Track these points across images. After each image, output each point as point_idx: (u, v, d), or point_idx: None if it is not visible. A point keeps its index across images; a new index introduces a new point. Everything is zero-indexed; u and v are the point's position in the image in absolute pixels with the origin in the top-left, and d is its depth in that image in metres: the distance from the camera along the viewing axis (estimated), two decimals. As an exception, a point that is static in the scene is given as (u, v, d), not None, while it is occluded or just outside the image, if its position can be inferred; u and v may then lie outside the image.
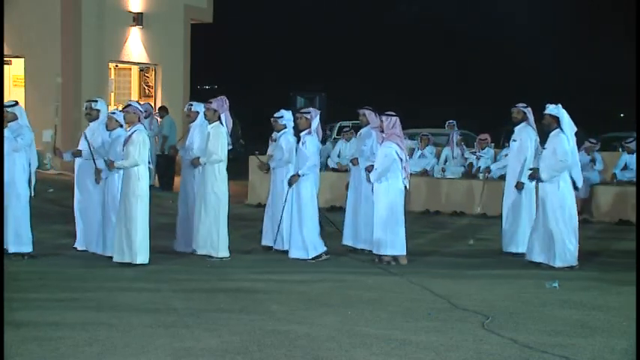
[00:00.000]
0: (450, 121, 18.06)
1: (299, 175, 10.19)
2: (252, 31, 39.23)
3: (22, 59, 20.02)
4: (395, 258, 10.15)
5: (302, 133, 10.34)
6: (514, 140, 10.89)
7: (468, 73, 38.47)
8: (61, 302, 7.81)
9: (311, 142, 10.26)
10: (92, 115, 10.51)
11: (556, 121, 9.86)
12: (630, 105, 25.52)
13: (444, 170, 15.91)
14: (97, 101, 10.66)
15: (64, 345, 6.36)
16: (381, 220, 10.04)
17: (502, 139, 18.66)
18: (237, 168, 19.47)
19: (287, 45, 39.74)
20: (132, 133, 9.65)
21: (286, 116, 10.70)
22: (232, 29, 36.81)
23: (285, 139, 10.64)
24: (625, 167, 15.09)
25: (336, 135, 20.89)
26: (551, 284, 8.90)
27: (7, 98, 18.88)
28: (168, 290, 8.42)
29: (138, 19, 21.15)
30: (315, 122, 10.33)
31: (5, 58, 19.51)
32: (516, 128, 10.89)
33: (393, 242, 10.07)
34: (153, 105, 20.52)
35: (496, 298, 8.36)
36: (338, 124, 22.50)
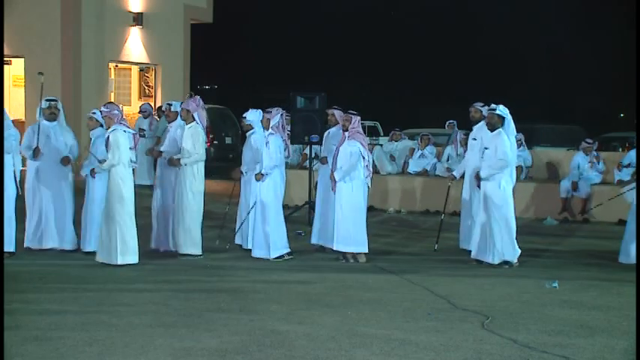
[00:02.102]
0: (450, 121, 18.05)
1: (262, 174, 10.28)
2: (252, 31, 39.22)
3: (22, 59, 20.03)
4: (354, 255, 10.30)
5: (266, 133, 10.43)
6: (474, 139, 10.98)
7: (468, 73, 38.46)
8: (61, 302, 7.81)
9: (273, 141, 10.34)
10: (56, 115, 10.59)
11: (501, 121, 10.21)
12: (631, 105, 25.52)
13: (449, 170, 15.89)
14: (57, 100, 10.75)
15: (64, 345, 6.36)
16: (344, 218, 10.16)
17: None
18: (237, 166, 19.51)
19: (287, 45, 39.74)
20: (108, 135, 9.72)
21: (249, 117, 10.81)
22: (232, 29, 36.81)
23: (255, 139, 10.73)
24: (629, 165, 15.04)
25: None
26: (551, 284, 8.90)
27: (7, 98, 18.95)
28: (168, 290, 8.43)
29: (138, 19, 21.16)
30: (275, 120, 10.41)
31: (5, 58, 19.53)
32: (475, 127, 11.04)
33: (355, 239, 10.21)
34: (153, 105, 20.54)
35: (496, 298, 8.37)
36: (338, 124, 22.47)
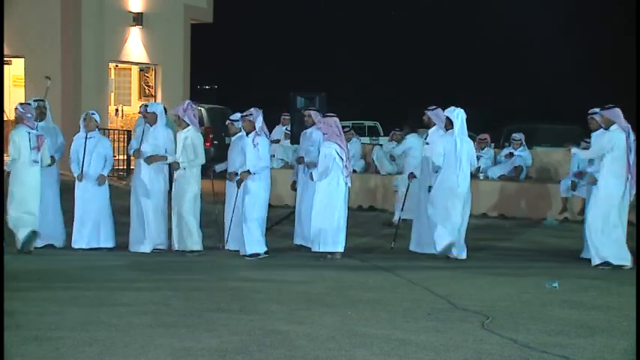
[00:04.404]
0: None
1: (250, 173, 10.32)
2: (252, 31, 39.22)
3: (22, 59, 20.04)
4: (331, 254, 10.40)
5: (250, 135, 10.42)
6: (427, 143, 11.01)
7: (468, 73, 38.47)
8: (61, 302, 7.81)
9: (263, 143, 10.43)
10: (45, 115, 10.85)
11: (451, 123, 10.41)
12: (631, 105, 25.46)
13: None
14: (45, 100, 10.99)
15: (64, 345, 6.36)
16: (323, 218, 10.25)
17: (502, 140, 18.68)
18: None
19: (287, 45, 39.73)
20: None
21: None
22: (232, 29, 36.81)
23: (243, 142, 10.71)
24: None
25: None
26: (550, 284, 8.90)
27: (7, 98, 18.95)
28: (168, 290, 8.42)
29: (138, 19, 21.16)
30: (259, 122, 10.46)
31: (5, 58, 19.53)
32: (430, 131, 11.07)
33: (334, 239, 10.31)
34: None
35: (496, 298, 8.37)
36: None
